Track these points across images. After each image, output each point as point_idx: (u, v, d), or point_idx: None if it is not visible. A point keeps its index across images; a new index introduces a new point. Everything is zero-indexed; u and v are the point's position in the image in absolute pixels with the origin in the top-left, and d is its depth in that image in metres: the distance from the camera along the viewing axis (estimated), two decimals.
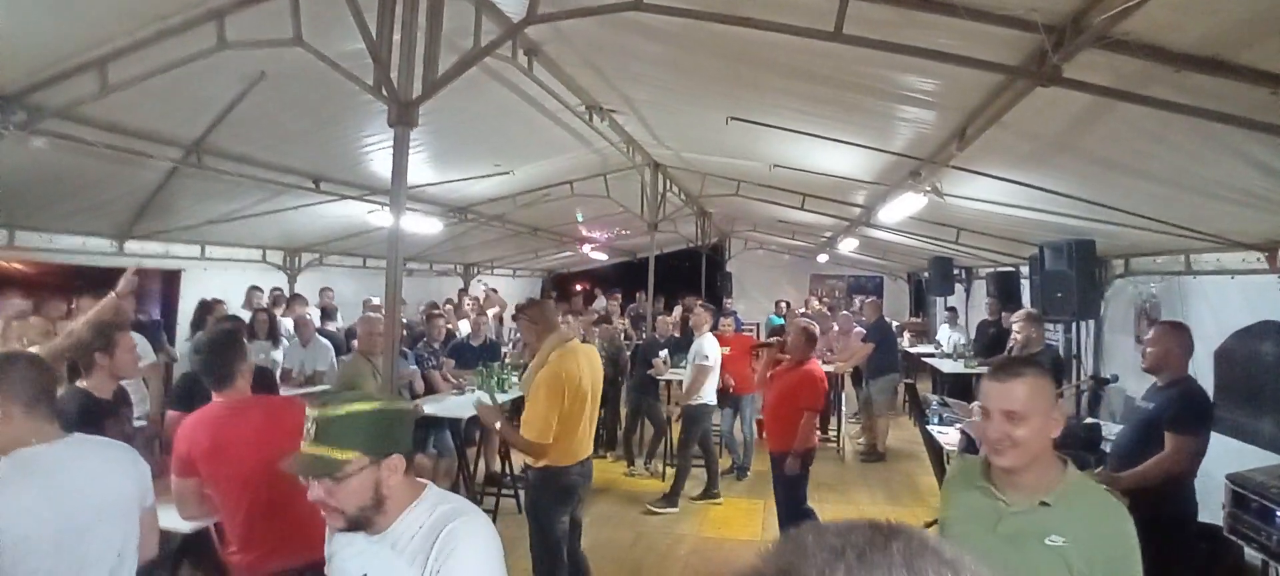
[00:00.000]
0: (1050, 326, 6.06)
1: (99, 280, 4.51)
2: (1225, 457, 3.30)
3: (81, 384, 3.01)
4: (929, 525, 2.10)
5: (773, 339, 6.17)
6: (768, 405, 4.93)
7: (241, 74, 3.89)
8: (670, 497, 5.88)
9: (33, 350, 2.72)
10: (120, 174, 4.84)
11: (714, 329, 6.41)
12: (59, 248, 5.59)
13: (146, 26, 3.22)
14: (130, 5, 3.12)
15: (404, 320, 5.11)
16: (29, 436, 1.82)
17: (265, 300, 7.41)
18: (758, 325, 12.36)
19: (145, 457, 2.13)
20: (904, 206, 5.61)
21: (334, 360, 6.34)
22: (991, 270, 9.06)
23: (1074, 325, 6.10)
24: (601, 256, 14.12)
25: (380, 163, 5.65)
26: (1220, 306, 4.44)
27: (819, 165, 5.79)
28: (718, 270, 15.00)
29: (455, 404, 5.46)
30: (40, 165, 4.26)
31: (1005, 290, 8.14)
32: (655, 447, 6.97)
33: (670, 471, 6.43)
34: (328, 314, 8.10)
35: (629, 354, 7.73)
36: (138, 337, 3.88)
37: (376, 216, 6.97)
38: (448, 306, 9.08)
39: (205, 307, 6.39)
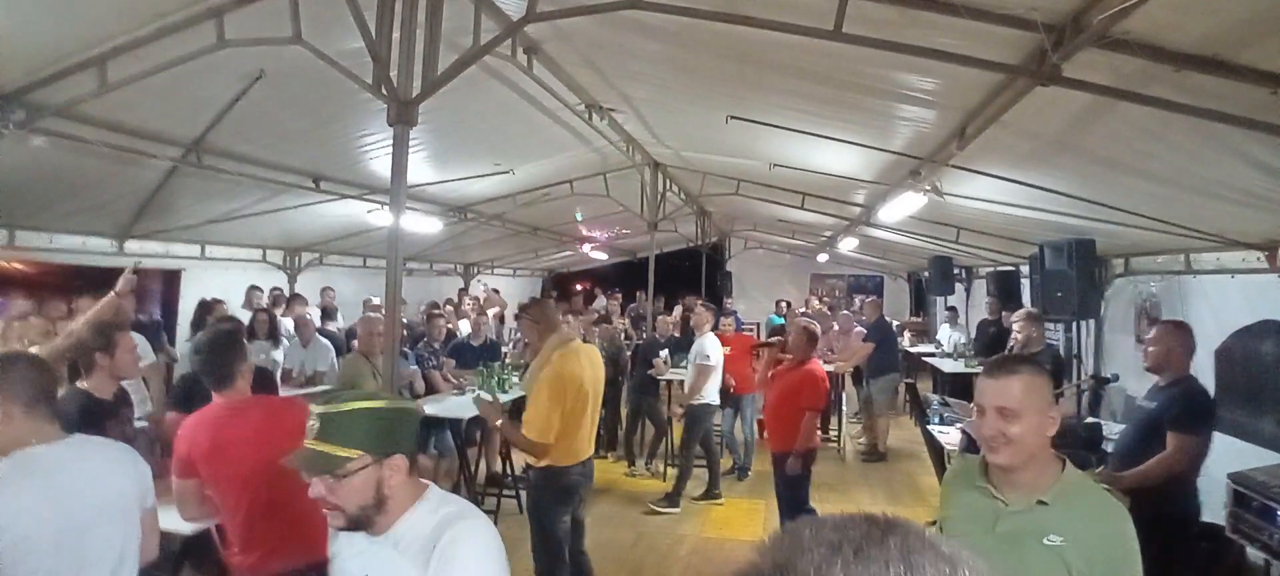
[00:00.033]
0: (1050, 326, 6.06)
1: (99, 280, 4.51)
2: (1226, 457, 3.30)
3: (82, 385, 3.01)
4: (929, 525, 2.10)
5: (773, 338, 6.17)
6: (769, 405, 4.93)
7: (241, 72, 3.89)
8: (672, 497, 5.88)
9: (33, 351, 2.72)
10: (120, 173, 4.84)
11: (714, 328, 6.41)
12: (59, 247, 5.59)
13: (146, 24, 3.22)
14: (129, 3, 3.12)
15: (404, 320, 5.11)
16: (29, 437, 1.82)
17: (265, 300, 7.41)
18: (758, 325, 12.35)
19: (146, 458, 2.13)
20: (904, 206, 5.61)
21: (334, 360, 6.32)
22: (992, 269, 9.06)
23: (1074, 324, 6.10)
24: (601, 256, 14.12)
25: (380, 162, 5.65)
26: (1220, 305, 4.44)
27: (819, 164, 5.79)
28: (718, 269, 14.99)
29: (456, 404, 5.45)
30: (40, 164, 4.26)
31: (1005, 289, 8.14)
32: (656, 448, 6.97)
33: (671, 471, 6.43)
34: (328, 314, 8.10)
35: (629, 354, 7.73)
36: (138, 338, 3.87)
37: (376, 216, 6.97)
38: (448, 306, 9.08)
39: (205, 308, 6.38)
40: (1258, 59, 2.22)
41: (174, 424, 2.77)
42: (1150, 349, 3.26)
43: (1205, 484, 3.09)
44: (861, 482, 6.71)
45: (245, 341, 2.75)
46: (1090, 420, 4.26)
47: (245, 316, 6.62)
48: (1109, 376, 5.05)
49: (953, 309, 10.37)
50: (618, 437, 7.39)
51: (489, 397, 3.78)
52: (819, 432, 5.78)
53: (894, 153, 4.68)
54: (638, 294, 11.98)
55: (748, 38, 3.14)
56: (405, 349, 5.60)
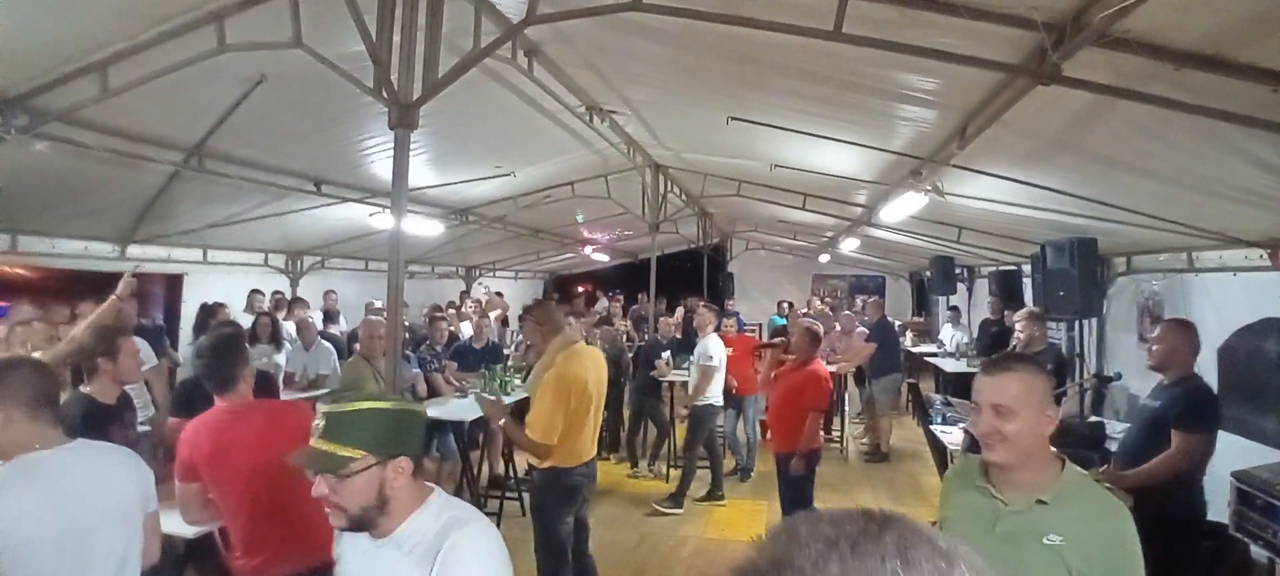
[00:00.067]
0: (1053, 325, 6.05)
1: (101, 284, 4.52)
2: (1229, 455, 3.29)
3: (85, 389, 3.01)
4: (931, 525, 2.09)
5: (776, 339, 6.17)
6: (772, 406, 4.92)
7: (242, 76, 3.89)
8: (676, 498, 5.87)
9: (36, 355, 2.73)
10: (122, 178, 4.85)
11: (716, 329, 6.41)
12: (61, 252, 5.61)
13: (146, 29, 3.22)
14: (130, 8, 3.12)
15: (406, 323, 5.11)
16: (32, 441, 1.83)
17: (267, 304, 7.41)
18: (760, 326, 12.34)
19: (148, 462, 2.13)
20: (905, 206, 5.61)
21: (336, 364, 6.32)
22: (993, 269, 9.04)
23: (1077, 323, 6.08)
24: (603, 258, 14.12)
25: (381, 165, 5.65)
26: (1223, 304, 4.43)
27: (820, 165, 5.79)
28: (719, 271, 14.97)
29: (458, 407, 5.45)
30: (42, 169, 4.27)
31: (1007, 289, 8.13)
32: (659, 449, 6.96)
33: (674, 472, 6.42)
34: (330, 317, 8.09)
35: (631, 355, 7.72)
36: (140, 342, 3.88)
37: (378, 219, 6.97)
38: (450, 309, 9.08)
39: (207, 311, 6.40)
40: (1258, 57, 2.22)
41: (176, 428, 2.77)
42: (1155, 347, 3.25)
43: (1209, 482, 3.08)
44: (864, 483, 6.70)
45: (247, 345, 2.75)
46: (1093, 419, 4.25)
47: (247, 320, 6.63)
48: (1111, 375, 5.05)
49: (955, 308, 10.35)
50: (619, 439, 7.39)
51: (491, 397, 3.78)
52: (822, 433, 5.78)
53: (895, 153, 4.67)
54: (639, 295, 11.97)
55: (748, 39, 3.14)
56: (407, 352, 5.60)
